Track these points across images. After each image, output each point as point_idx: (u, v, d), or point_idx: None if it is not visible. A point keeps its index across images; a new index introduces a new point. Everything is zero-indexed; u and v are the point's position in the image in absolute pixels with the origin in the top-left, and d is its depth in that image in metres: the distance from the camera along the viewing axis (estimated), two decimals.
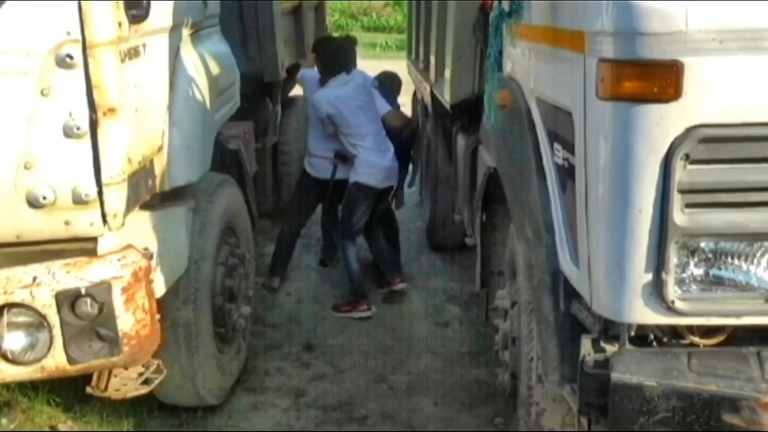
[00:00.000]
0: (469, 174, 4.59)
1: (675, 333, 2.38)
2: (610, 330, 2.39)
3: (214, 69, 4.08)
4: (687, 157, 2.11)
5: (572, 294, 2.57)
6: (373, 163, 5.61)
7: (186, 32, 3.78)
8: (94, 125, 2.81)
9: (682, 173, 2.11)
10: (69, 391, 4.10)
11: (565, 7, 2.49)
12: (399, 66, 10.35)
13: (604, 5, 2.15)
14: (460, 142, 5.03)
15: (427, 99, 6.64)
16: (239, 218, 4.45)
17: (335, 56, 5.75)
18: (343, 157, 5.72)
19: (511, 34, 3.21)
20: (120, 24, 2.90)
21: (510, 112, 3.22)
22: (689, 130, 2.09)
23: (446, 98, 5.15)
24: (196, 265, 3.76)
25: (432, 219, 6.74)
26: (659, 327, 2.37)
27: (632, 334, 2.35)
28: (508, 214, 3.35)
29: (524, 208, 2.97)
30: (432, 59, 6.11)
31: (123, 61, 2.95)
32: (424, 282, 6.18)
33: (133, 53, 3.05)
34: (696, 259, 2.22)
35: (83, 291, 2.90)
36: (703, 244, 2.20)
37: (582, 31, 2.28)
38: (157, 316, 3.21)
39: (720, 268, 2.22)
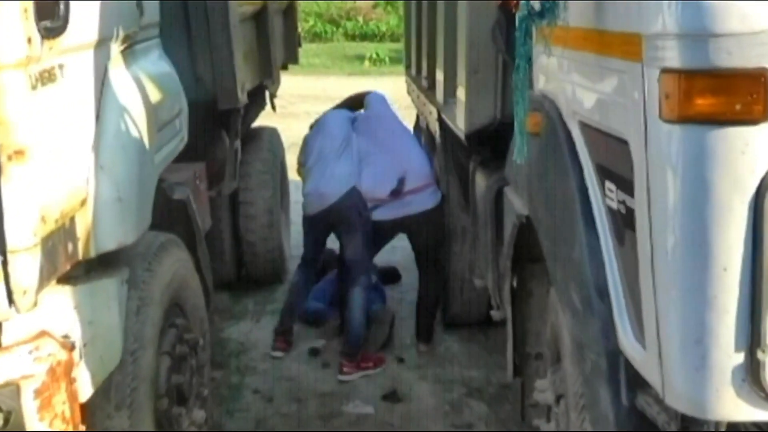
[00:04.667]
0: (492, 225, 4.60)
1: None
2: (690, 428, 2.38)
3: (154, 95, 4.10)
4: None
5: (637, 382, 2.55)
6: (304, 192, 6.49)
7: (116, 48, 3.80)
8: None
9: None
10: None
11: (615, 2, 2.52)
12: (396, 84, 10.43)
13: None
14: (480, 182, 5.05)
15: (434, 126, 6.68)
16: (189, 292, 4.43)
17: None
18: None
19: (543, 40, 3.24)
20: (30, 39, 2.91)
21: (545, 142, 3.24)
22: None
23: (459, 125, 5.18)
24: (133, 357, 3.72)
25: (445, 285, 6.72)
26: (756, 423, 2.35)
27: None
28: (548, 277, 3.35)
29: (568, 268, 2.97)
30: (439, 75, 6.16)
31: (34, 87, 2.96)
32: (437, 371, 6.15)
33: (47, 77, 3.07)
34: None
35: None
36: None
37: (637, 33, 2.31)
38: (83, 427, 3.18)
39: None
